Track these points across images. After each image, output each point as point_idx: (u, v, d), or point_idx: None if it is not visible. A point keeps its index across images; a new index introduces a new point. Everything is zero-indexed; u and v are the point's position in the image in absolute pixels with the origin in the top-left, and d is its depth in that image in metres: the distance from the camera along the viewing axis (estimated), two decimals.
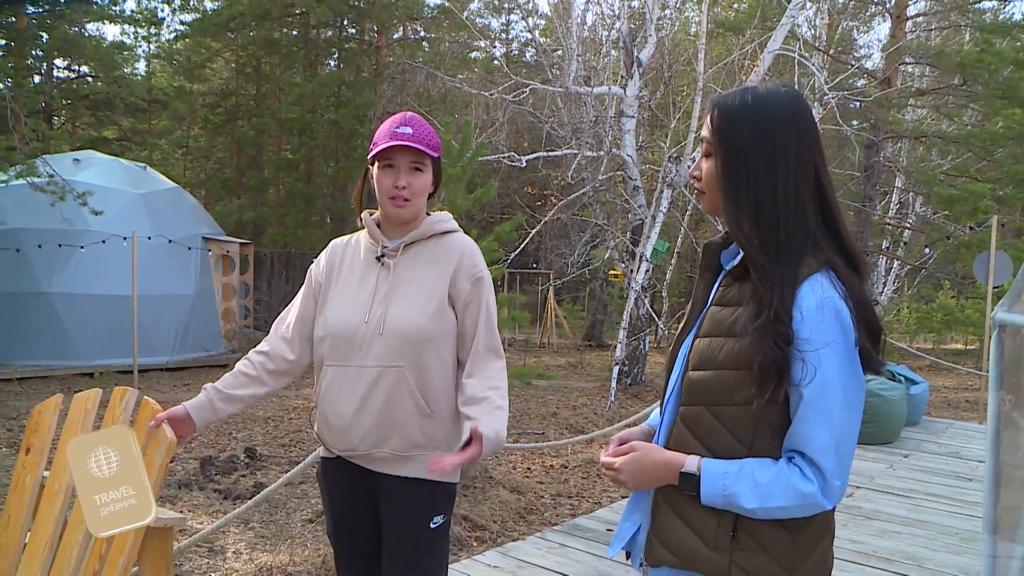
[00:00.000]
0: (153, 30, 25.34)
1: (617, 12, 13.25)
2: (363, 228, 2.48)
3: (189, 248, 14.03)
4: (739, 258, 1.60)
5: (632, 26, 13.11)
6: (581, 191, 13.11)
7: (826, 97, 13.54)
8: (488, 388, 2.27)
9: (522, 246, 12.56)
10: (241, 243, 16.11)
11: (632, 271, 12.05)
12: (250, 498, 6.17)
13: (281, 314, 2.57)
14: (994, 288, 10.03)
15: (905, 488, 6.00)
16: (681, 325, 1.75)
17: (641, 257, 11.83)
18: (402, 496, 2.33)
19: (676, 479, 1.56)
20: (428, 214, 2.47)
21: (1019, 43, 14.36)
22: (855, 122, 14.58)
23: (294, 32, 22.64)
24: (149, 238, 12.91)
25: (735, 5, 20.39)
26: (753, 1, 17.27)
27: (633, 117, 12.32)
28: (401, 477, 2.32)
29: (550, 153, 13.73)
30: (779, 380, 1.44)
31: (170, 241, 13.43)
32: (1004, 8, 19.65)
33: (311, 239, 20.09)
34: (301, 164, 21.59)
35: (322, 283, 2.49)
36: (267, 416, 9.62)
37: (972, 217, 13.46)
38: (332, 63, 23.69)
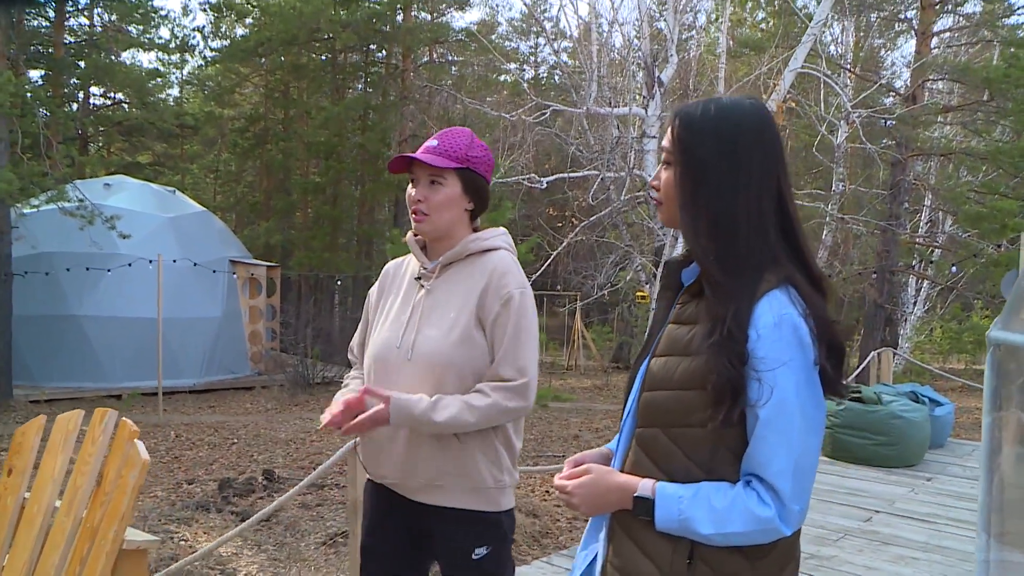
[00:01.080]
0: (185, 57, 25.80)
1: (639, 33, 13.29)
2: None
3: (214, 271, 14.17)
4: (697, 275, 1.56)
5: (655, 47, 13.12)
6: (603, 212, 13.10)
7: (851, 115, 13.44)
8: (474, 396, 2.15)
9: (543, 268, 12.55)
10: (268, 266, 16.25)
11: (651, 293, 12.00)
12: (266, 520, 6.19)
13: (352, 341, 2.55)
14: None
15: (926, 513, 5.85)
16: (641, 346, 1.71)
17: (659, 278, 11.77)
18: (440, 526, 2.25)
19: (630, 503, 1.50)
20: (479, 230, 2.37)
21: None
22: (884, 140, 14.42)
23: (322, 57, 22.91)
24: (175, 261, 13.06)
25: (761, 25, 20.34)
26: (777, 21, 17.22)
27: (654, 137, 12.31)
28: (438, 507, 2.23)
29: (572, 174, 13.75)
30: (734, 400, 1.39)
31: (195, 264, 13.58)
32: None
33: (337, 262, 20.22)
34: (328, 187, 21.79)
35: (373, 306, 2.45)
36: (288, 438, 9.66)
37: (1000, 235, 13.25)
38: (359, 87, 23.93)
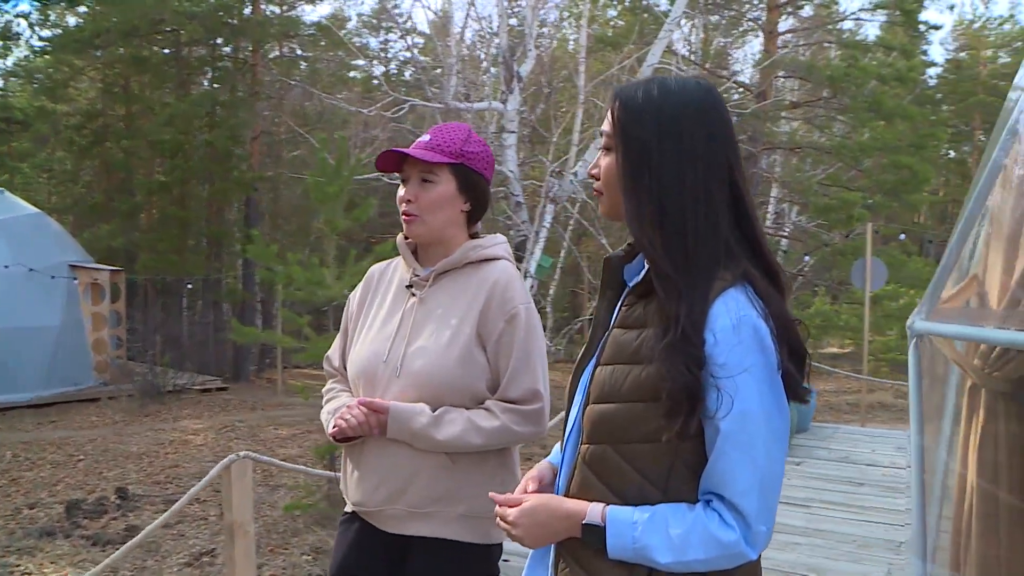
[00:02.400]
0: (9, 46, 23.99)
1: (496, 28, 13.28)
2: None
3: (52, 277, 13.25)
4: (644, 273, 1.44)
5: (512, 42, 13.13)
6: None
7: None
8: (481, 415, 1.96)
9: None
10: (112, 270, 15.35)
11: None
12: (122, 543, 5.80)
13: (329, 350, 2.30)
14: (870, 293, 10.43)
15: (803, 497, 6.05)
16: (582, 351, 1.55)
17: (525, 273, 11.80)
18: (428, 561, 2.02)
19: (579, 531, 1.36)
20: (478, 236, 2.16)
21: (877, 60, 15.14)
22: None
23: (164, 50, 21.79)
24: (7, 267, 12.14)
25: (612, 23, 20.76)
26: (631, 18, 17.63)
27: (514, 132, 12.31)
28: (423, 538, 2.01)
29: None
30: (692, 409, 1.26)
31: (31, 270, 12.66)
32: (859, 29, 20.74)
33: (187, 265, 19.34)
34: (174, 187, 20.76)
35: (354, 314, 2.22)
36: (140, 452, 9.13)
37: (847, 225, 14.03)
38: (205, 82, 22.94)
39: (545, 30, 14.37)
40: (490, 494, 1.52)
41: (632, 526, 1.31)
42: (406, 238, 2.16)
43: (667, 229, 1.34)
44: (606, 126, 1.45)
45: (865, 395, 12.30)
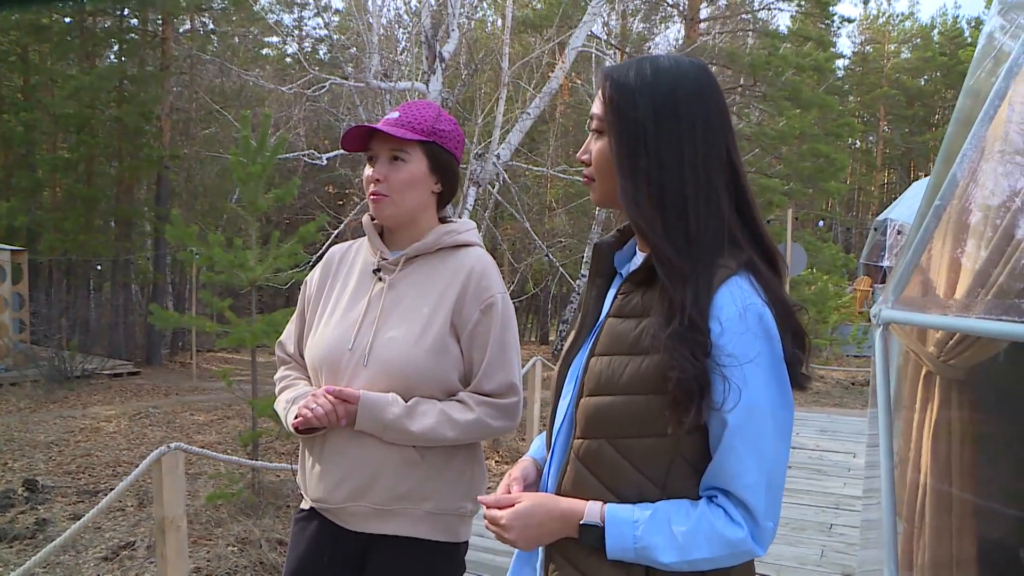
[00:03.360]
0: None
1: (416, 9, 13.09)
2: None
3: None
4: (640, 260, 1.38)
5: (433, 21, 12.94)
6: None
7: None
8: (454, 407, 1.88)
9: (325, 248, 12.15)
10: (13, 250, 14.66)
11: None
12: (31, 538, 5.54)
13: (283, 333, 2.15)
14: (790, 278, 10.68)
15: None
16: (569, 341, 1.49)
17: None
18: (392, 560, 1.93)
19: (575, 532, 1.30)
20: (448, 221, 2.06)
21: (791, 50, 15.48)
22: None
23: (66, 19, 20.82)
24: None
25: (532, 4, 20.73)
26: (553, 0, 17.62)
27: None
28: (386, 536, 1.92)
29: (350, 151, 13.34)
30: (699, 400, 1.21)
31: None
32: (772, 19, 21.20)
33: (94, 244, 18.56)
34: (80, 164, 19.86)
35: (312, 298, 2.08)
36: (49, 440, 8.74)
37: (768, 211, 14.33)
38: (112, 55, 22.01)
39: (464, 11, 14.19)
40: (479, 497, 1.45)
41: (633, 525, 1.26)
42: (372, 219, 2.05)
43: (668, 212, 1.29)
44: (597, 108, 1.39)
45: None
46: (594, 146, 1.40)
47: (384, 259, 2.00)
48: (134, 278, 20.18)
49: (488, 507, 1.40)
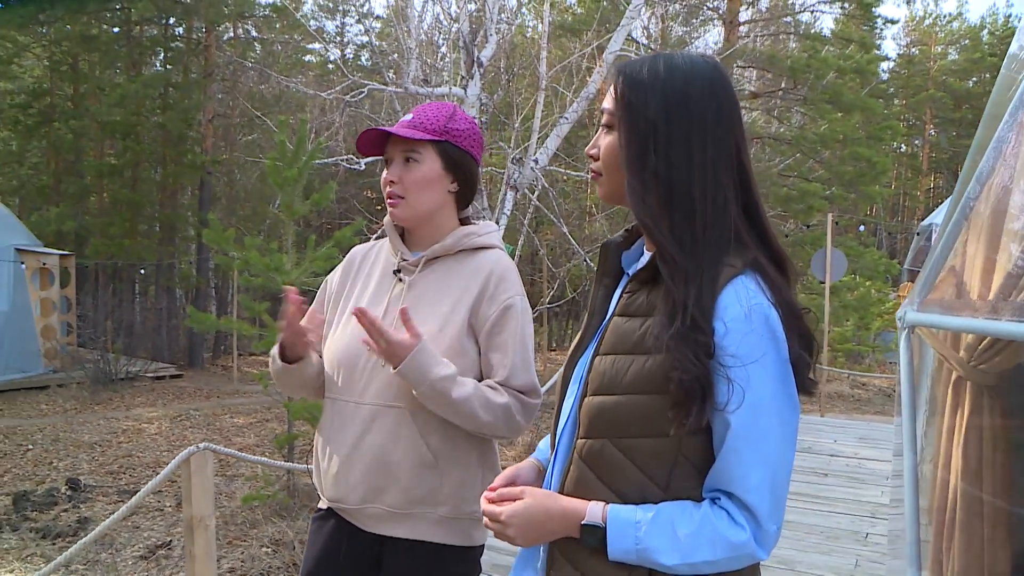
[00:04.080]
0: None
1: (456, 15, 13.12)
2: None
3: None
4: (646, 259, 1.37)
5: (472, 27, 13.00)
6: None
7: None
8: (488, 389, 1.87)
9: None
10: (61, 255, 14.99)
11: None
12: (73, 535, 5.64)
13: None
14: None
15: None
16: (575, 340, 1.47)
17: None
18: (408, 562, 1.93)
19: (576, 532, 1.28)
20: (472, 222, 2.06)
21: (833, 52, 15.28)
22: None
23: (114, 28, 21.25)
24: None
25: (571, 10, 20.72)
26: (591, 5, 17.59)
27: (474, 118, 12.20)
28: (404, 540, 1.92)
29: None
30: (703, 402, 1.20)
31: None
32: (815, 22, 20.99)
33: (139, 249, 18.92)
34: (126, 170, 20.29)
35: (333, 297, 2.10)
36: (93, 441, 8.90)
37: (808, 216, 14.12)
38: (157, 63, 22.43)
39: (504, 16, 14.23)
40: (484, 494, 1.43)
41: (635, 526, 1.24)
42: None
43: (675, 211, 1.28)
44: (608, 103, 1.37)
45: (823, 385, 12.45)
46: (603, 141, 1.39)
47: (404, 260, 2.00)
48: (177, 282, 20.52)
49: (488, 502, 1.38)
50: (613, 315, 1.38)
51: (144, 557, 5.11)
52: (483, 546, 2.03)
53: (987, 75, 40.72)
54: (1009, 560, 2.22)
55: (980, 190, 1.89)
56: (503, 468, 2.07)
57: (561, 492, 1.36)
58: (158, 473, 7.69)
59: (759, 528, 1.23)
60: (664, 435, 1.25)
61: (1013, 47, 2.40)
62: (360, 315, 1.77)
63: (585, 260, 13.74)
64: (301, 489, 6.34)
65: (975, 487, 2.20)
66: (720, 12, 16.58)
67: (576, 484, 1.33)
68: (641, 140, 1.30)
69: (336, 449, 1.96)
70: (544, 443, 1.60)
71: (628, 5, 11.50)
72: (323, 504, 2.07)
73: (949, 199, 2.12)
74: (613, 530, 1.25)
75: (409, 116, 1.97)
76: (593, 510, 1.28)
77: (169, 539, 5.60)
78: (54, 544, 5.47)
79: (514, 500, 1.34)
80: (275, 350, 2.02)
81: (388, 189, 1.96)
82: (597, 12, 15.18)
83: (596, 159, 1.41)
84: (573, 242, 13.12)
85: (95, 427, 9.67)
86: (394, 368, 1.80)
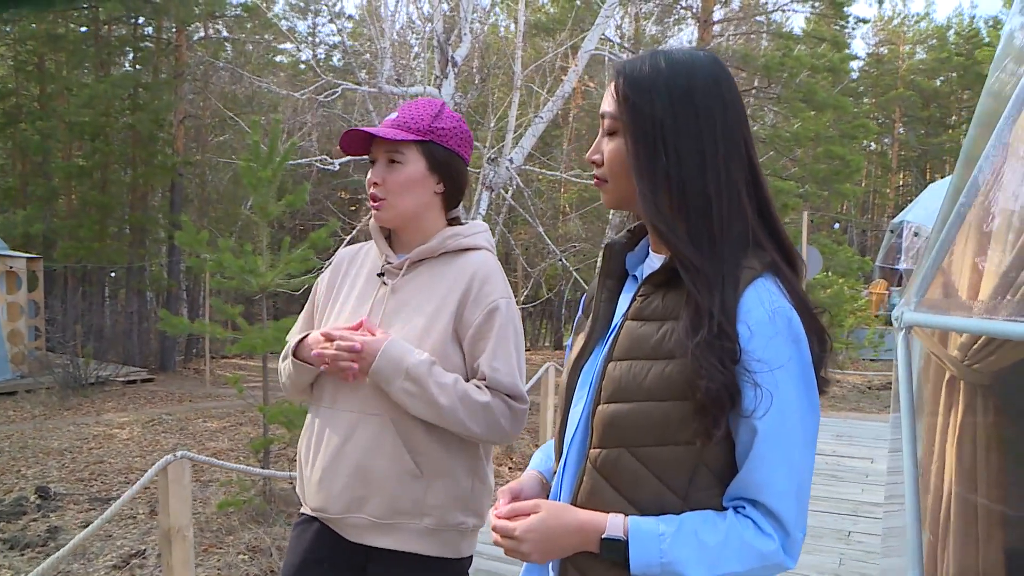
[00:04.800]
0: None
1: (429, 14, 13.05)
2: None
3: None
4: (658, 261, 1.32)
5: (446, 26, 12.93)
6: None
7: None
8: (471, 387, 1.83)
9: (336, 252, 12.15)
10: (28, 258, 14.73)
11: None
12: (43, 546, 5.52)
13: (289, 334, 2.10)
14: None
15: None
16: (579, 345, 1.41)
17: None
18: (389, 572, 1.89)
19: (595, 546, 1.22)
20: (461, 222, 2.02)
21: (805, 51, 15.37)
22: None
23: (82, 28, 20.94)
24: None
25: (544, 9, 20.70)
26: (565, 4, 17.58)
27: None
28: (385, 550, 1.87)
29: (363, 156, 13.34)
30: (728, 408, 1.16)
31: None
32: (787, 20, 21.13)
33: (109, 252, 18.65)
34: (95, 172, 19.97)
35: (321, 301, 2.05)
36: (62, 447, 8.74)
37: (782, 214, 14.17)
38: (127, 63, 22.12)
39: (477, 15, 14.17)
40: (493, 513, 1.36)
41: (659, 539, 1.18)
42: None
43: (691, 215, 1.24)
44: (608, 106, 1.32)
45: None
46: (607, 146, 1.33)
47: (388, 262, 1.96)
48: (148, 285, 20.25)
49: (499, 518, 1.31)
50: (625, 319, 1.33)
51: (117, 567, 5.00)
52: (471, 557, 1.98)
53: (954, 75, 41.27)
54: (1003, 560, 2.20)
55: (976, 196, 1.87)
56: (499, 480, 2.02)
57: (573, 504, 1.30)
58: (130, 480, 7.57)
59: (787, 536, 1.20)
60: (684, 443, 1.21)
61: (999, 51, 2.38)
62: (327, 340, 1.80)
63: (561, 260, 13.72)
64: (278, 494, 6.25)
65: (970, 487, 2.18)
66: (694, 11, 16.63)
67: (590, 495, 1.28)
68: (649, 142, 1.26)
69: (319, 457, 1.91)
70: (539, 454, 1.54)
71: (603, 4, 11.48)
72: (305, 510, 2.01)
73: (945, 196, 2.10)
74: (635, 543, 1.19)
75: (394, 115, 1.92)
76: (613, 523, 1.22)
77: (143, 548, 5.49)
78: (23, 555, 5.34)
79: (527, 515, 1.28)
80: (290, 345, 1.97)
81: (371, 191, 1.91)
82: (572, 12, 15.16)
83: (599, 165, 1.35)
84: (549, 242, 13.08)
85: (65, 433, 9.49)
86: (368, 368, 1.77)
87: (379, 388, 1.81)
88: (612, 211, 16.92)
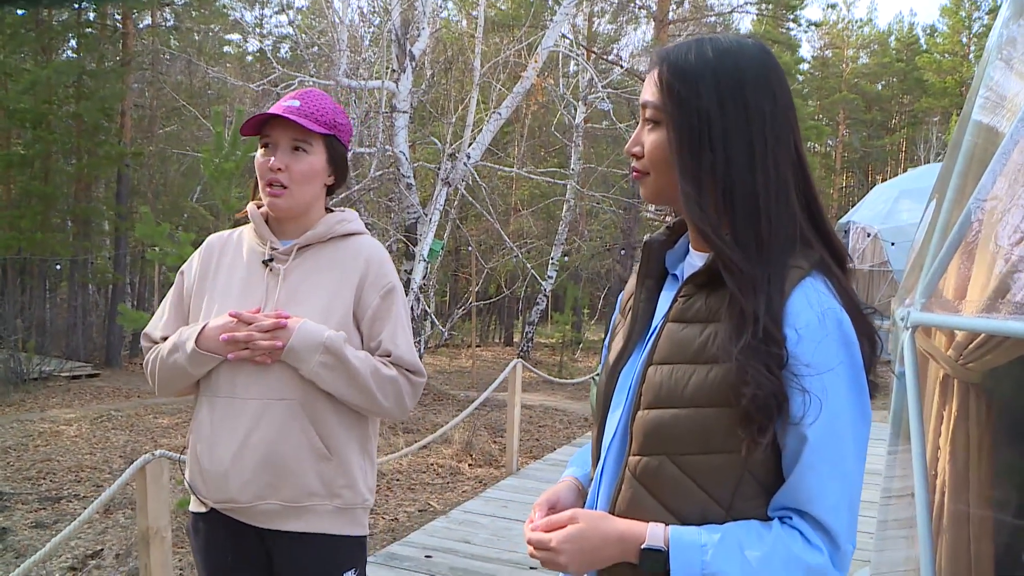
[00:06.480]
0: None
1: (382, 7, 12.95)
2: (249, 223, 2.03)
3: None
4: (700, 261, 1.26)
5: (403, 19, 12.84)
6: (353, 190, 12.69)
7: (593, 95, 13.93)
8: (378, 361, 1.91)
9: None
10: None
11: (410, 271, 11.80)
12: None
13: (149, 324, 2.05)
14: None
15: None
16: (617, 348, 1.35)
17: (418, 256, 11.61)
18: (301, 556, 1.90)
19: (634, 556, 1.18)
20: (331, 211, 2.05)
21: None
22: (622, 125, 15.15)
23: (20, 11, 20.32)
24: None
25: (496, 4, 20.67)
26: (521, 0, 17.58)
27: (405, 112, 12.06)
28: (296, 533, 1.89)
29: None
30: (776, 418, 1.11)
31: None
32: (735, 22, 21.45)
33: (51, 243, 18.14)
34: (36, 161, 19.41)
35: (194, 288, 2.01)
36: (7, 445, 8.47)
37: None
38: (69, 50, 21.56)
39: (433, 10, 14.09)
40: (528, 525, 1.31)
41: (701, 550, 1.13)
42: (259, 207, 2.02)
43: (737, 214, 1.18)
44: (650, 95, 1.25)
45: None
46: (647, 138, 1.26)
47: (275, 248, 1.97)
48: (92, 278, 19.78)
49: (534, 529, 1.26)
50: (666, 321, 1.27)
51: (74, 568, 4.87)
52: (367, 535, 2.07)
53: (894, 79, 42.30)
54: (993, 560, 2.24)
55: (985, 200, 1.90)
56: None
57: (611, 513, 1.26)
58: (80, 478, 7.38)
59: (836, 549, 1.15)
60: (729, 451, 1.16)
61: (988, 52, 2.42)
62: (237, 320, 1.84)
63: (517, 255, 13.72)
64: None
65: (962, 487, 2.22)
66: (651, 10, 16.76)
67: (629, 504, 1.23)
68: (695, 135, 1.19)
69: (222, 449, 1.89)
70: (576, 459, 1.50)
71: (560, 2, 11.51)
72: (197, 508, 1.99)
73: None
74: (677, 554, 1.14)
75: (296, 102, 1.92)
76: (654, 532, 1.17)
77: (100, 548, 5.35)
78: None
79: (562, 526, 1.23)
80: (190, 336, 1.90)
81: (272, 176, 1.90)
82: (529, 8, 15.16)
83: (639, 157, 1.28)
84: (507, 239, 13.08)
85: (8, 430, 9.21)
86: (282, 347, 1.81)
87: (286, 373, 1.85)
88: (564, 209, 16.99)
